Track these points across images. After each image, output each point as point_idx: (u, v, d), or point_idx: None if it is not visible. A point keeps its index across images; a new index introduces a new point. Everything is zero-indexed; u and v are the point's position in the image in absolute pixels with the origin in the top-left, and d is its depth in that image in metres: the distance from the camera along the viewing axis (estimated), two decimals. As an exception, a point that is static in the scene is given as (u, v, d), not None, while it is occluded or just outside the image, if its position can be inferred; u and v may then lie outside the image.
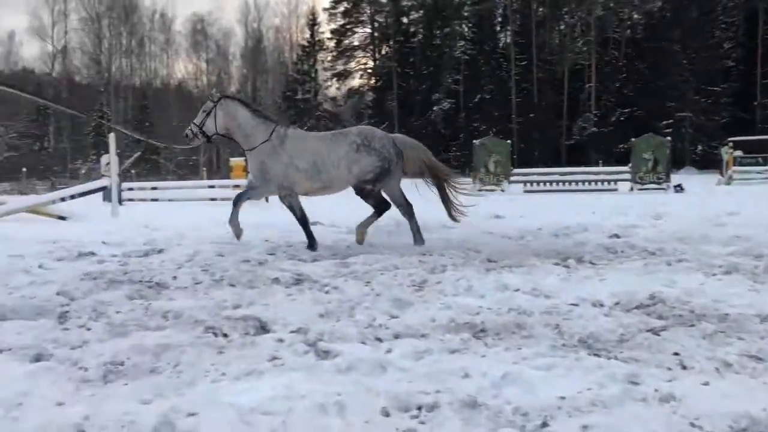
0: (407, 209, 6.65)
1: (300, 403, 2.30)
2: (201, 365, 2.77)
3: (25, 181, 30.37)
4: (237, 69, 55.58)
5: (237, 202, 6.69)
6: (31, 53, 66.28)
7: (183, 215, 10.51)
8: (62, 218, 9.51)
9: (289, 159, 6.39)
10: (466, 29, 47.94)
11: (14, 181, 32.42)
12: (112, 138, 9.51)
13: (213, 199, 14.50)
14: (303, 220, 6.50)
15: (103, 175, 15.17)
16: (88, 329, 3.39)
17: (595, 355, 2.88)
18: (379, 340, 3.14)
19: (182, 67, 68.87)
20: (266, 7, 56.77)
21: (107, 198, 13.89)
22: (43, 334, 3.26)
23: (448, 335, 3.15)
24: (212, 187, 15.50)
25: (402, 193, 6.67)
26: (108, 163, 15.37)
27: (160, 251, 6.11)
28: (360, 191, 6.57)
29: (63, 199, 9.92)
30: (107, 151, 12.85)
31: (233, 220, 6.61)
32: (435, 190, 6.80)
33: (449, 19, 48.29)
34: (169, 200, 15.08)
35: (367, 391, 2.38)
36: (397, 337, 3.19)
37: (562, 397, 2.32)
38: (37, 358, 2.89)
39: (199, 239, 6.88)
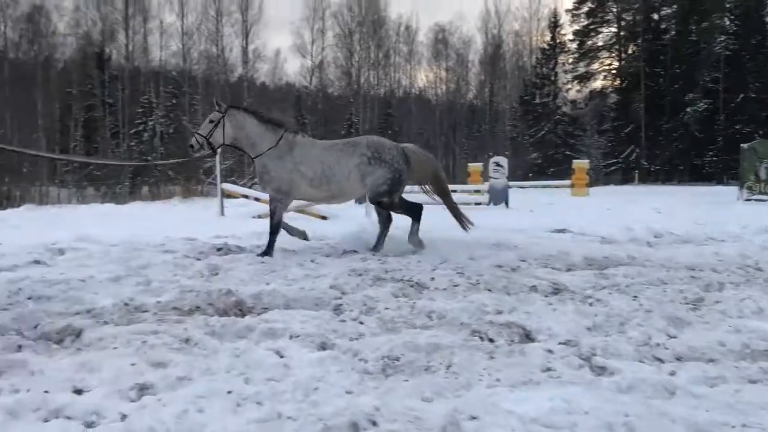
0: (387, 220, 6.69)
1: (584, 419, 2.19)
2: (473, 368, 2.78)
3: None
4: (475, 75, 56.41)
5: (280, 228, 6.59)
6: (293, 69, 74.01)
7: (427, 218, 10.85)
8: (324, 218, 10.39)
9: (294, 165, 6.41)
10: (728, 22, 43.23)
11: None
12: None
13: (454, 204, 14.77)
14: (276, 228, 6.47)
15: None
16: (361, 323, 3.61)
17: None
18: (660, 360, 2.89)
19: (423, 76, 71.74)
20: (507, 12, 56.36)
21: (359, 200, 14.95)
22: (324, 324, 3.53)
23: (743, 362, 2.80)
24: (453, 191, 15.76)
25: (404, 201, 6.70)
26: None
27: (414, 252, 6.35)
28: (378, 203, 6.57)
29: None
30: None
31: (293, 231, 6.88)
32: (440, 200, 6.92)
33: (708, 12, 43.96)
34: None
35: (659, 416, 2.19)
36: (679, 359, 2.92)
37: None
38: (322, 347, 3.14)
39: (447, 241, 7.00)
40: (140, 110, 41.18)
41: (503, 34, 53.93)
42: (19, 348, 3.12)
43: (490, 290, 4.46)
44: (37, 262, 5.86)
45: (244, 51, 45.54)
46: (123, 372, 2.70)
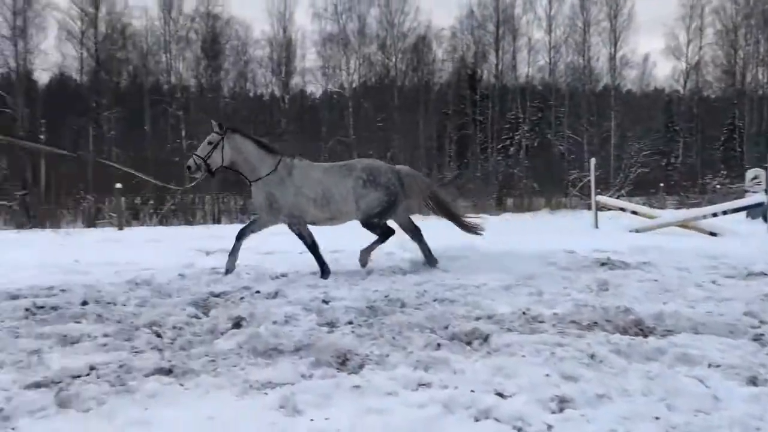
0: (415, 233, 6.69)
1: None
2: None
3: (661, 196, 31.69)
4: None
5: (240, 236, 6.43)
6: (663, 73, 68.73)
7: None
8: (713, 234, 9.38)
9: (297, 188, 6.33)
10: None
11: (645, 196, 34.26)
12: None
13: None
14: (314, 247, 6.34)
15: (746, 191, 14.42)
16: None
17: None
18: None
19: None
20: None
21: (752, 215, 13.13)
22: (748, 356, 3.13)
23: None
24: None
25: (410, 219, 6.75)
26: (754, 178, 14.57)
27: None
28: (368, 226, 6.49)
29: (715, 215, 9.78)
30: (745, 165, 12.07)
31: (233, 255, 6.32)
32: (441, 214, 6.84)
33: None
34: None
35: None
36: None
37: None
38: (752, 382, 2.76)
39: None
40: (507, 126, 43.08)
41: None
42: (438, 346, 3.42)
43: None
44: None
45: (611, 59, 44.11)
46: (538, 381, 2.75)
